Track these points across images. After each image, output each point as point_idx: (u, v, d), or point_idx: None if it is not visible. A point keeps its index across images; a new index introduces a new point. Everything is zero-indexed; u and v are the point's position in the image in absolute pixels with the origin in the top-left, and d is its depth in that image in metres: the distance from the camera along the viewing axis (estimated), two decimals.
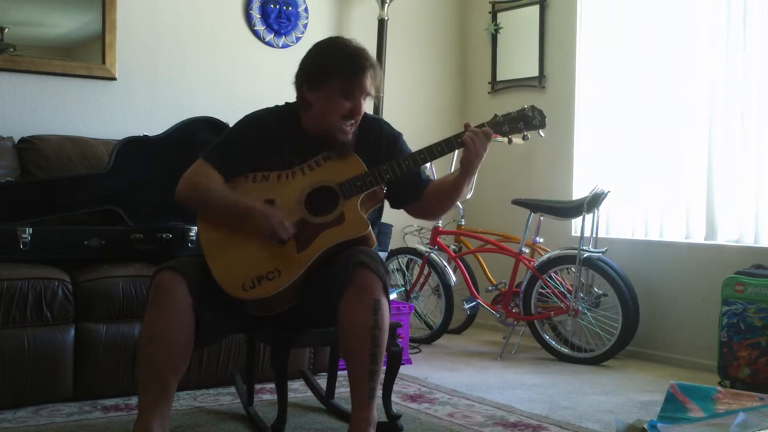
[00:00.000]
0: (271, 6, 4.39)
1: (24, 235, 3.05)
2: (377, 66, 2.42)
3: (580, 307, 3.89)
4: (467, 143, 2.34)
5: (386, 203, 2.61)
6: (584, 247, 3.86)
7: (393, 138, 2.54)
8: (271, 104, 2.60)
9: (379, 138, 2.51)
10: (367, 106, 3.33)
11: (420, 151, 2.39)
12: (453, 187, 2.43)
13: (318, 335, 2.55)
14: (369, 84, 2.38)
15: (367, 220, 2.35)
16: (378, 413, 2.27)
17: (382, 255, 4.11)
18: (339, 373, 2.93)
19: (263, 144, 2.43)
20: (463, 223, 4.49)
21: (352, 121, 2.41)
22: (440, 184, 2.51)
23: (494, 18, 4.90)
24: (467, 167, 2.36)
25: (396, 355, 2.57)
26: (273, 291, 2.24)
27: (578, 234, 4.00)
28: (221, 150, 2.44)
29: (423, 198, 2.51)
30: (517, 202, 4.16)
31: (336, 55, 2.39)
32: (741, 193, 3.77)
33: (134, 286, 3.03)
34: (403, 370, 3.35)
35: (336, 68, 2.36)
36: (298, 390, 3.17)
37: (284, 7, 4.43)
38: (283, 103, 2.55)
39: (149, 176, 3.48)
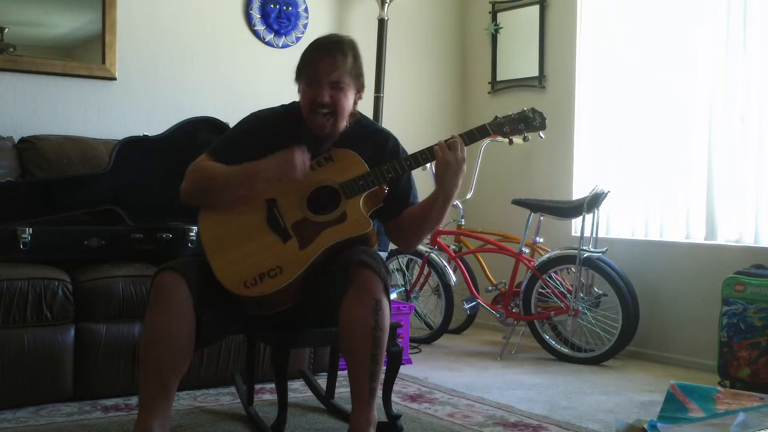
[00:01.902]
0: (271, 6, 4.39)
1: (24, 235, 3.04)
2: (343, 53, 2.37)
3: (580, 307, 3.89)
4: (435, 152, 2.34)
5: None
6: (584, 247, 3.86)
7: (396, 151, 2.52)
8: (270, 104, 2.60)
9: (383, 147, 2.51)
10: (367, 106, 3.33)
11: (421, 151, 2.39)
12: (426, 204, 2.42)
13: (318, 335, 2.56)
14: (326, 70, 2.35)
15: (369, 219, 2.35)
16: (378, 413, 2.27)
17: (382, 255, 4.12)
18: (339, 373, 2.93)
19: (266, 142, 2.43)
20: (463, 223, 4.49)
21: (323, 111, 2.38)
22: (417, 204, 2.51)
23: (494, 18, 4.90)
24: (438, 178, 2.37)
25: (396, 355, 2.57)
26: (275, 288, 2.24)
27: (578, 234, 4.00)
28: (224, 147, 2.46)
29: (402, 215, 2.49)
30: (517, 202, 4.16)
31: (307, 48, 2.44)
32: (741, 193, 3.77)
33: (134, 286, 3.03)
34: (403, 370, 3.35)
35: (302, 60, 2.42)
36: (298, 390, 3.17)
37: (284, 7, 4.43)
38: (290, 102, 2.55)
39: (149, 176, 3.48)
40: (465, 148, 2.36)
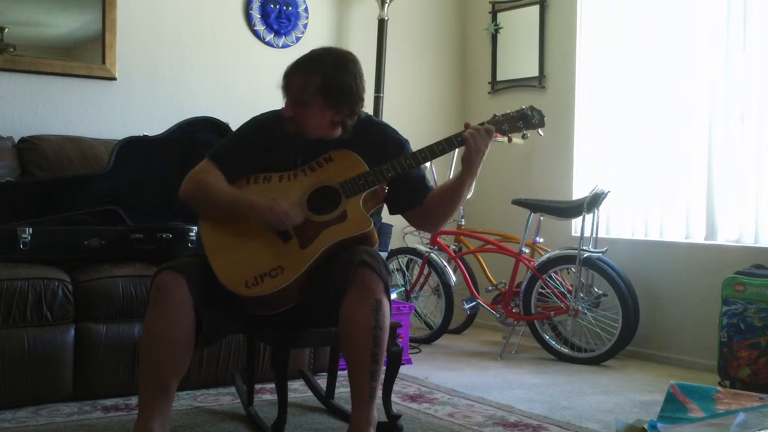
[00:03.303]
0: (271, 6, 4.39)
1: (24, 235, 3.05)
2: (310, 73, 2.39)
3: (580, 307, 3.89)
4: (467, 140, 2.36)
5: (385, 208, 2.60)
6: (584, 247, 3.86)
7: (399, 143, 2.54)
8: (270, 104, 2.61)
9: (383, 141, 2.52)
10: (367, 106, 3.33)
11: (421, 150, 2.40)
12: (454, 187, 2.44)
13: (318, 335, 2.56)
14: (293, 85, 2.40)
15: (370, 218, 2.36)
16: (378, 413, 2.27)
17: (382, 255, 4.12)
18: (339, 373, 2.93)
19: (267, 145, 2.46)
20: (463, 223, 4.49)
21: (288, 122, 2.44)
22: (442, 188, 2.53)
23: (494, 18, 4.90)
24: (468, 165, 2.38)
25: (396, 355, 2.57)
26: (276, 288, 2.24)
27: (578, 234, 4.00)
28: (225, 150, 2.47)
29: (425, 202, 2.51)
30: (517, 202, 4.16)
31: None
32: (741, 193, 3.77)
33: (134, 286, 3.03)
34: (403, 370, 3.35)
35: None
36: (298, 390, 3.17)
37: (284, 7, 4.43)
38: None
39: (149, 176, 3.48)
40: None
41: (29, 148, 3.53)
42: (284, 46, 4.43)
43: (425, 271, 4.41)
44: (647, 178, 4.13)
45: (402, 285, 4.49)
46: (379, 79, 4.51)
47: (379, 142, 2.51)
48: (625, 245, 4.17)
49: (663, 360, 3.98)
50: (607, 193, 3.96)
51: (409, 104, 4.89)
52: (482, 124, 2.42)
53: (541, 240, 4.21)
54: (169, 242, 3.27)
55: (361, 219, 2.34)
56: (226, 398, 3.07)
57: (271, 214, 2.31)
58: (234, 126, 2.82)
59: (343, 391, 2.87)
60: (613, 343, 3.85)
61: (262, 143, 2.46)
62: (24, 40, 3.76)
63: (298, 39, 4.46)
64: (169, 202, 3.29)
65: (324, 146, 2.45)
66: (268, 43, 4.41)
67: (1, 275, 2.83)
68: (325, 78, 2.38)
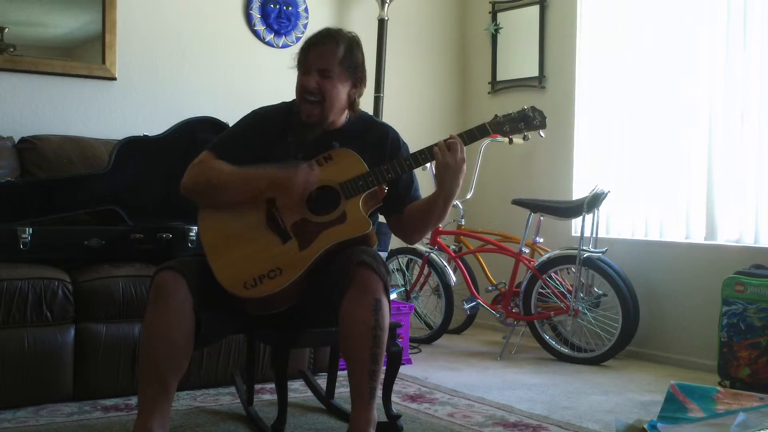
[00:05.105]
0: (271, 6, 4.39)
1: (24, 235, 3.04)
2: (334, 43, 2.40)
3: (580, 307, 3.89)
4: (435, 153, 2.35)
5: None
6: (584, 247, 3.86)
7: (397, 144, 2.54)
8: (270, 103, 2.60)
9: (383, 141, 2.52)
10: (368, 106, 3.33)
11: (421, 151, 2.40)
12: (428, 202, 2.45)
13: (318, 335, 2.56)
14: (315, 57, 2.39)
15: (369, 219, 2.36)
16: (378, 413, 2.27)
17: (382, 255, 4.12)
18: (339, 373, 2.93)
19: (268, 138, 2.45)
20: (463, 223, 4.49)
21: (311, 99, 2.40)
22: (420, 200, 2.53)
23: (494, 18, 4.91)
24: (438, 181, 2.39)
25: (396, 355, 2.57)
26: (274, 289, 2.24)
27: (578, 234, 4.00)
28: (225, 142, 2.47)
29: (405, 211, 2.52)
30: (517, 202, 4.16)
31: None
32: (741, 193, 3.77)
33: (134, 286, 3.03)
34: (403, 370, 3.35)
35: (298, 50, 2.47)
36: (298, 390, 3.17)
37: (284, 7, 4.43)
38: (291, 100, 2.55)
39: (149, 176, 3.48)
40: (464, 148, 2.37)
41: (29, 148, 3.53)
42: (284, 46, 4.43)
43: (425, 271, 4.41)
44: (647, 178, 4.13)
45: (402, 285, 4.49)
46: (379, 79, 4.51)
47: (379, 140, 2.52)
48: (625, 245, 4.17)
49: (663, 360, 3.98)
50: (607, 193, 3.96)
51: (409, 104, 4.89)
52: (482, 125, 2.41)
53: (541, 240, 4.21)
54: (169, 242, 3.27)
55: (360, 220, 2.34)
56: (226, 398, 3.07)
57: (292, 184, 2.31)
58: None
59: (343, 391, 2.87)
60: (613, 343, 3.85)
61: (263, 134, 2.46)
62: (24, 40, 3.76)
63: (298, 39, 4.46)
64: (169, 202, 3.31)
65: (327, 140, 2.44)
66: (268, 43, 4.41)
67: (1, 275, 2.83)
68: (345, 49, 2.41)
